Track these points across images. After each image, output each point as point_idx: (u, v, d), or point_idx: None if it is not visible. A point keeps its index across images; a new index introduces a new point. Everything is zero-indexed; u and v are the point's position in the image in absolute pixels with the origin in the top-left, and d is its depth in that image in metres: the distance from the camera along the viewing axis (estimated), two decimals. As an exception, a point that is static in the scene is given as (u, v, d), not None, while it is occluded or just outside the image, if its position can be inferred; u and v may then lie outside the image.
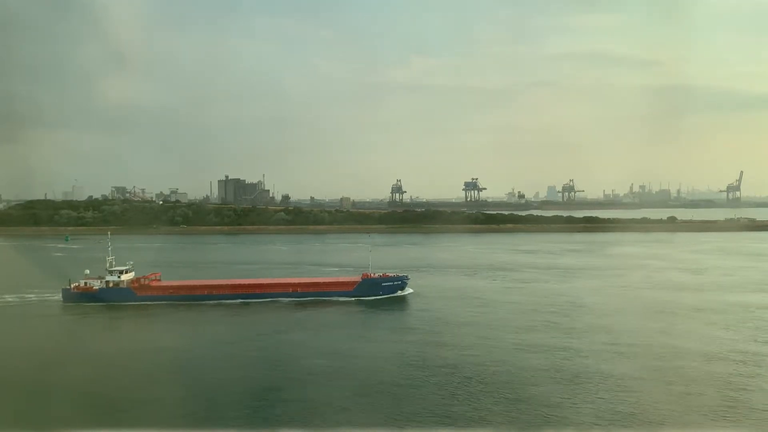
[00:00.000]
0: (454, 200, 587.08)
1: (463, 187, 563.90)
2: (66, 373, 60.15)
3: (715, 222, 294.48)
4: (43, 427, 44.10)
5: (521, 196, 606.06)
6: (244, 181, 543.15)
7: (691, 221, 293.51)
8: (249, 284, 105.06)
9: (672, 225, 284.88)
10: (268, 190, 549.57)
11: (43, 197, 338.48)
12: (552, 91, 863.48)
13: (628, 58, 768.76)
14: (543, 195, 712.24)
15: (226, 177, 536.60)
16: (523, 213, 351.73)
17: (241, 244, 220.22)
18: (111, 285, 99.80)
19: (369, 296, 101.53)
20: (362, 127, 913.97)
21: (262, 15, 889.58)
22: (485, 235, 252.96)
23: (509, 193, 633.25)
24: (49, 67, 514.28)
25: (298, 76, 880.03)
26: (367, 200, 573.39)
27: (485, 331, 77.03)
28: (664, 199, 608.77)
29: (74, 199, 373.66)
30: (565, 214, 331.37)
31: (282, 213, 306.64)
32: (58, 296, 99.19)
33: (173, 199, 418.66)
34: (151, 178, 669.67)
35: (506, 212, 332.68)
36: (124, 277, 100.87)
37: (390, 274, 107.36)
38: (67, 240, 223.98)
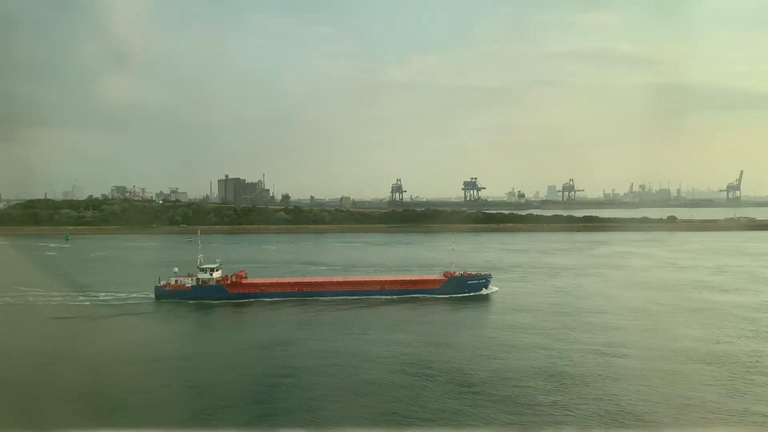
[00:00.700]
0: (453, 200, 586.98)
1: (463, 186, 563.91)
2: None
3: (715, 221, 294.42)
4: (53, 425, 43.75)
5: (521, 195, 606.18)
6: (244, 180, 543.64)
7: (690, 221, 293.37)
8: (339, 282, 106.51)
9: (672, 224, 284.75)
10: (268, 190, 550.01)
11: (43, 197, 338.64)
12: (552, 90, 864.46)
13: (629, 57, 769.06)
14: (543, 194, 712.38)
15: (226, 176, 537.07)
16: (523, 212, 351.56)
17: (248, 243, 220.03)
18: (202, 282, 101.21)
19: (456, 294, 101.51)
20: (362, 127, 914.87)
21: (261, 13, 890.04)
22: (484, 234, 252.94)
23: (509, 192, 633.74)
24: (49, 66, 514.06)
25: (298, 75, 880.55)
26: (367, 200, 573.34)
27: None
28: (664, 199, 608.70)
29: (74, 198, 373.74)
30: (565, 213, 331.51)
31: (282, 212, 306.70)
32: (148, 294, 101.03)
33: (173, 198, 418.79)
34: (151, 178, 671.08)
35: (506, 212, 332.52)
36: (215, 275, 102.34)
37: (473, 273, 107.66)
38: (67, 239, 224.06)
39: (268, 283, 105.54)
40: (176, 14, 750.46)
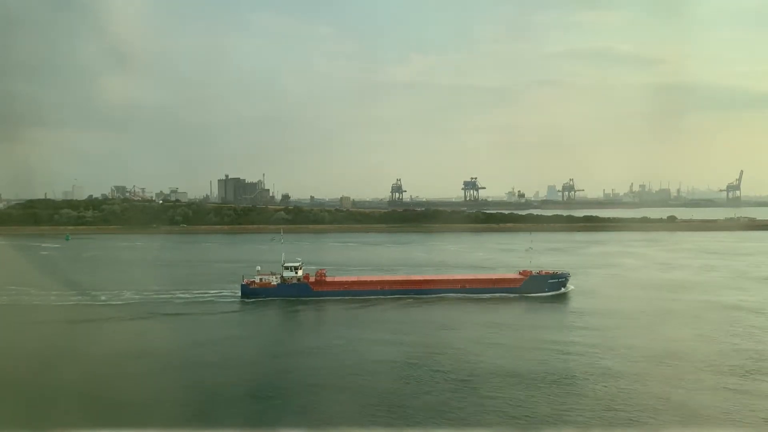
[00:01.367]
0: (453, 200, 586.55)
1: (463, 186, 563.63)
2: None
3: (715, 221, 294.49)
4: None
5: (521, 195, 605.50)
6: (244, 180, 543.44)
7: (690, 221, 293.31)
8: (419, 280, 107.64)
9: (672, 224, 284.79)
10: (268, 190, 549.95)
11: (43, 197, 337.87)
12: (552, 90, 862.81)
13: (629, 57, 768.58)
14: (543, 194, 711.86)
15: (226, 176, 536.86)
16: (523, 212, 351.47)
17: (256, 243, 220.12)
18: (287, 281, 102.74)
19: (535, 293, 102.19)
20: (362, 126, 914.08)
21: (261, 13, 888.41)
22: (484, 234, 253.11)
23: (509, 192, 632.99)
24: (49, 65, 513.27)
25: (298, 74, 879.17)
26: (367, 200, 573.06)
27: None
28: (664, 199, 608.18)
29: (74, 198, 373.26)
30: (565, 213, 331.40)
31: (282, 212, 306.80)
32: (231, 292, 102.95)
33: (173, 198, 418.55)
34: (151, 178, 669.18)
35: (506, 212, 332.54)
36: (299, 273, 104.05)
37: (551, 271, 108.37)
38: (67, 239, 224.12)
39: (350, 281, 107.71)
40: (176, 14, 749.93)
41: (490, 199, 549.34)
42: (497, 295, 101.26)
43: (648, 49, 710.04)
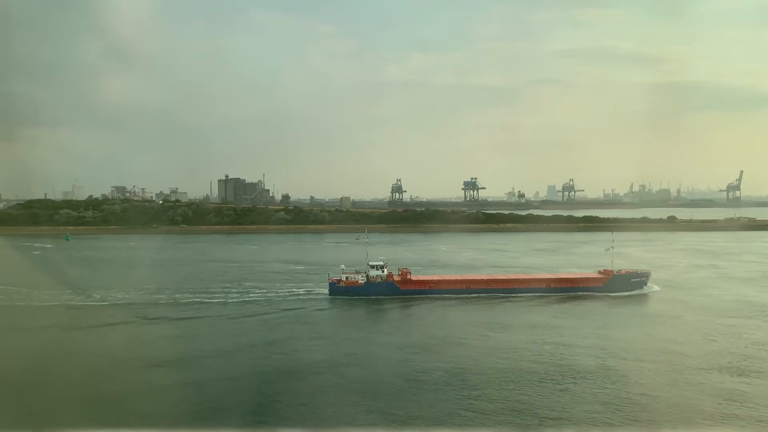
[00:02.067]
0: (453, 200, 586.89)
1: (463, 186, 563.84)
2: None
3: (714, 221, 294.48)
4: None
5: (521, 195, 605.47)
6: (244, 180, 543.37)
7: (690, 221, 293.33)
8: (504, 279, 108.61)
9: (671, 225, 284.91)
10: (268, 190, 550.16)
11: (43, 197, 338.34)
12: (553, 89, 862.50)
13: (631, 55, 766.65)
14: (543, 194, 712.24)
15: (226, 176, 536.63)
16: (523, 212, 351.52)
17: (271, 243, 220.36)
18: (372, 280, 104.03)
19: (619, 292, 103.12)
20: (362, 126, 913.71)
21: (260, 13, 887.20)
22: (483, 234, 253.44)
23: (509, 192, 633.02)
24: (49, 65, 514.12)
25: (298, 74, 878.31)
26: (367, 200, 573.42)
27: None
28: (664, 199, 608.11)
29: (74, 198, 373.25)
30: (565, 213, 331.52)
31: (282, 212, 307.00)
32: (322, 290, 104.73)
33: (173, 198, 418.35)
34: (151, 178, 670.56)
35: (506, 212, 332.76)
36: (384, 272, 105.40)
37: (631, 270, 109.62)
38: (67, 239, 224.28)
39: (436, 279, 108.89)
40: (176, 13, 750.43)
41: (490, 200, 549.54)
42: (581, 293, 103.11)
43: (649, 47, 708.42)
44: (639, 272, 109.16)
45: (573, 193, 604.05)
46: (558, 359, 64.96)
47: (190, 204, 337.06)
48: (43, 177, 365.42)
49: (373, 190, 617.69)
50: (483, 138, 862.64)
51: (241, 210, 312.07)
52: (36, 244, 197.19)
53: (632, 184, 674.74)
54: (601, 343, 72.23)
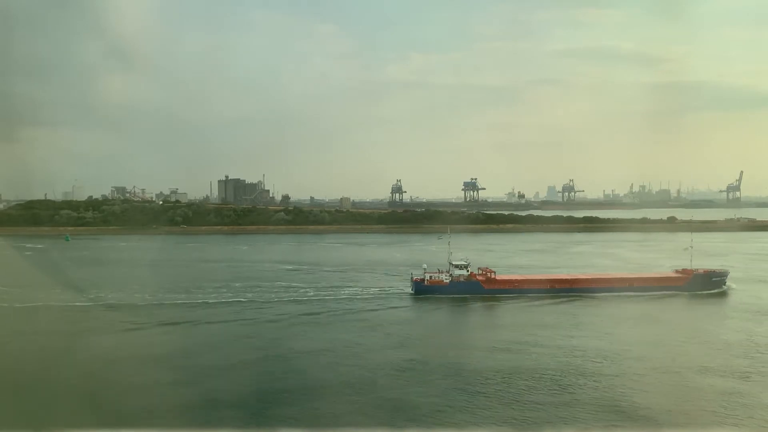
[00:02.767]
0: (453, 200, 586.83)
1: (463, 187, 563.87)
2: None
3: (714, 222, 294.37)
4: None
5: (521, 196, 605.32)
6: (244, 181, 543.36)
7: (690, 221, 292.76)
8: (587, 278, 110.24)
9: (672, 225, 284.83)
10: (268, 190, 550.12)
11: (43, 197, 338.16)
12: (553, 89, 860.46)
13: (632, 55, 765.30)
14: (543, 195, 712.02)
15: (226, 177, 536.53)
16: (523, 213, 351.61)
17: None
18: (457, 279, 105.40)
19: (701, 291, 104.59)
20: (362, 126, 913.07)
21: (259, 10, 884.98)
22: (482, 235, 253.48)
23: (509, 193, 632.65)
24: (49, 64, 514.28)
25: (297, 73, 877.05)
26: (367, 200, 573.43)
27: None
28: (664, 199, 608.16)
29: (74, 199, 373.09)
30: (565, 214, 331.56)
31: (282, 213, 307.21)
32: (404, 288, 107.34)
33: (173, 199, 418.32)
34: (151, 178, 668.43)
35: (506, 212, 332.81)
36: (464, 271, 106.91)
37: (709, 270, 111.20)
38: (67, 240, 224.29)
39: (521, 279, 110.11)
40: (176, 12, 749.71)
41: (490, 200, 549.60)
42: (663, 293, 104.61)
43: (650, 47, 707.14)
44: (718, 271, 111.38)
45: (573, 193, 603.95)
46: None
47: (190, 204, 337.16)
48: (43, 177, 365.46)
49: (373, 190, 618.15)
50: (483, 138, 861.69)
51: (241, 210, 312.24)
52: (28, 245, 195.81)
53: (632, 184, 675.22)
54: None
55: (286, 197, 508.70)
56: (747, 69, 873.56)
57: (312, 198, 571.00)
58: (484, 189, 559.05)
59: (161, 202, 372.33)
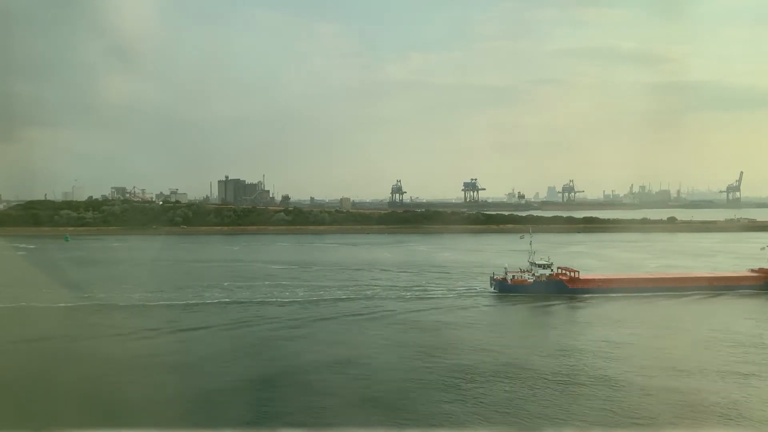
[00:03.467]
0: (453, 200, 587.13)
1: (463, 187, 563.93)
2: None
3: (714, 222, 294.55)
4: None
5: (521, 196, 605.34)
6: (244, 181, 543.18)
7: (690, 222, 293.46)
8: (669, 278, 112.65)
9: (671, 225, 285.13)
10: (268, 191, 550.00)
11: (43, 197, 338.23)
12: (554, 89, 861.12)
13: (632, 55, 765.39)
14: (543, 195, 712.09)
15: (226, 177, 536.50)
16: (523, 213, 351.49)
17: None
18: (540, 278, 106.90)
19: None
20: (362, 126, 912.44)
21: (260, 10, 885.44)
22: (483, 235, 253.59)
23: (509, 193, 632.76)
24: (49, 64, 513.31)
25: (297, 73, 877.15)
26: (367, 200, 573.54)
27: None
28: (664, 200, 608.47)
29: (74, 199, 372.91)
30: (565, 214, 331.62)
31: (282, 213, 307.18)
32: (481, 287, 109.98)
33: (173, 199, 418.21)
34: (151, 178, 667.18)
35: (506, 213, 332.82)
36: (548, 270, 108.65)
37: None
38: (67, 240, 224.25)
39: (604, 278, 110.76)
40: (176, 12, 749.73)
41: (490, 200, 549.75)
42: (739, 291, 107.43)
43: (650, 47, 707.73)
44: None
45: (573, 194, 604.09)
46: None
47: (190, 205, 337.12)
48: (43, 178, 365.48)
49: (373, 190, 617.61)
50: (483, 138, 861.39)
51: (241, 211, 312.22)
52: (21, 245, 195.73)
53: (632, 185, 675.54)
54: None
55: (286, 197, 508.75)
56: (747, 69, 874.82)
57: (312, 198, 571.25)
58: (484, 189, 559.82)
59: (161, 203, 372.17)
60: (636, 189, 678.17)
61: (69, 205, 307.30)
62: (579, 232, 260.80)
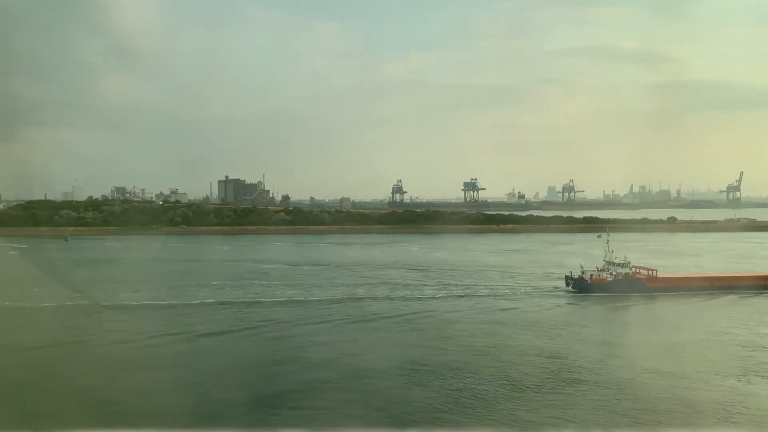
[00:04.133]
0: (454, 200, 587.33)
1: (463, 187, 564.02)
2: None
3: (714, 222, 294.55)
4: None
5: (521, 196, 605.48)
6: (244, 181, 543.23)
7: (691, 222, 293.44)
8: (747, 276, 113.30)
9: (671, 225, 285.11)
10: (268, 191, 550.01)
11: (43, 197, 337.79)
12: (554, 88, 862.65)
13: (633, 54, 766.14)
14: (543, 195, 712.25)
15: (226, 177, 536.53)
16: (523, 213, 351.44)
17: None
18: (618, 277, 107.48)
19: None
20: (362, 126, 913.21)
21: (259, 10, 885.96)
22: (483, 235, 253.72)
23: (509, 193, 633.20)
24: (49, 64, 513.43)
25: (297, 73, 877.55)
26: (367, 200, 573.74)
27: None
28: (664, 200, 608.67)
29: (74, 199, 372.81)
30: (565, 214, 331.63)
31: (282, 213, 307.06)
32: (557, 285, 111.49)
33: (173, 199, 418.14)
34: (151, 178, 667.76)
35: (506, 212, 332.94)
36: (625, 269, 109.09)
37: None
38: (66, 240, 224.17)
39: (681, 277, 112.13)
40: (176, 12, 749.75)
41: (490, 200, 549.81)
42: None
43: (652, 46, 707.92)
44: None
45: (573, 194, 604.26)
46: None
47: (190, 205, 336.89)
48: (43, 178, 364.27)
49: (374, 190, 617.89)
50: (483, 138, 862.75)
51: (241, 211, 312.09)
52: (14, 245, 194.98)
53: (632, 185, 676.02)
54: None
55: (286, 197, 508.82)
56: (748, 69, 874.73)
57: (312, 198, 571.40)
58: (484, 189, 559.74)
59: (161, 203, 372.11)
60: (636, 189, 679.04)
61: (69, 205, 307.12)
62: (579, 232, 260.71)
